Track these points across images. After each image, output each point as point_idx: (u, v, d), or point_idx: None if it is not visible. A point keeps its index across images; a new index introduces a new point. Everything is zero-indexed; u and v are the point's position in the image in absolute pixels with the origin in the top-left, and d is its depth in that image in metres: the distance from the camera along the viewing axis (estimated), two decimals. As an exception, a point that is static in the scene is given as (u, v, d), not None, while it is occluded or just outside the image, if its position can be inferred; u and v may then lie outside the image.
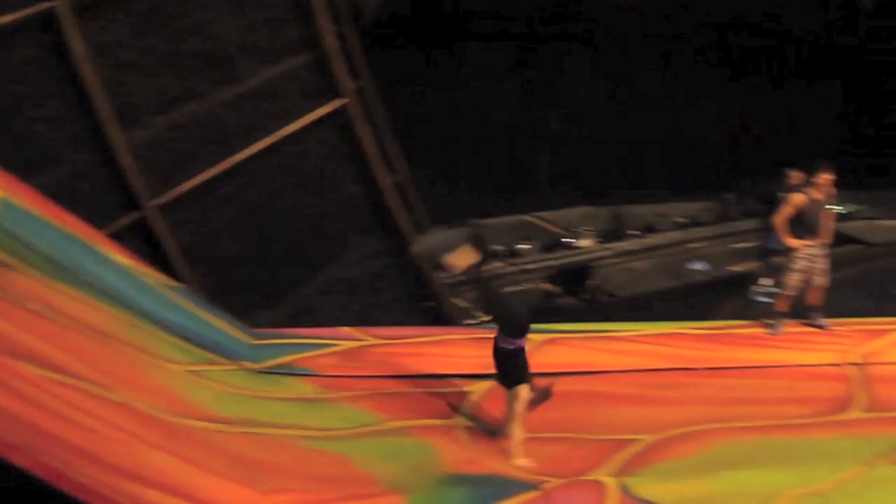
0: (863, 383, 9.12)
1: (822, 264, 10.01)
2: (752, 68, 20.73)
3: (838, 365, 9.47)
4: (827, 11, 21.18)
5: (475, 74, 18.14)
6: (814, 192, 9.91)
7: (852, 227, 19.11)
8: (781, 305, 10.10)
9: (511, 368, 7.66)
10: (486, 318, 8.70)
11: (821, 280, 10.02)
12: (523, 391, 7.54)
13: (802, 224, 9.89)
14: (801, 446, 7.92)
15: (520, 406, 7.51)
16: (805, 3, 20.60)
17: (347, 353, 8.98)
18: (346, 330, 9.50)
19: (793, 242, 9.93)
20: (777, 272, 11.76)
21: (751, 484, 6.99)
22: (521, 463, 7.33)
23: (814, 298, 10.13)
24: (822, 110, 20.95)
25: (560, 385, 8.50)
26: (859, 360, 9.49)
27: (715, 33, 20.21)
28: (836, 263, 14.19)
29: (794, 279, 9.97)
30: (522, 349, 7.69)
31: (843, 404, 8.72)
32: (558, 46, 18.83)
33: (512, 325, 7.77)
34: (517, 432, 7.47)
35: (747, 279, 14.29)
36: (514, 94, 18.78)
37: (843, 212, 19.65)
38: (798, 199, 9.89)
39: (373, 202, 11.98)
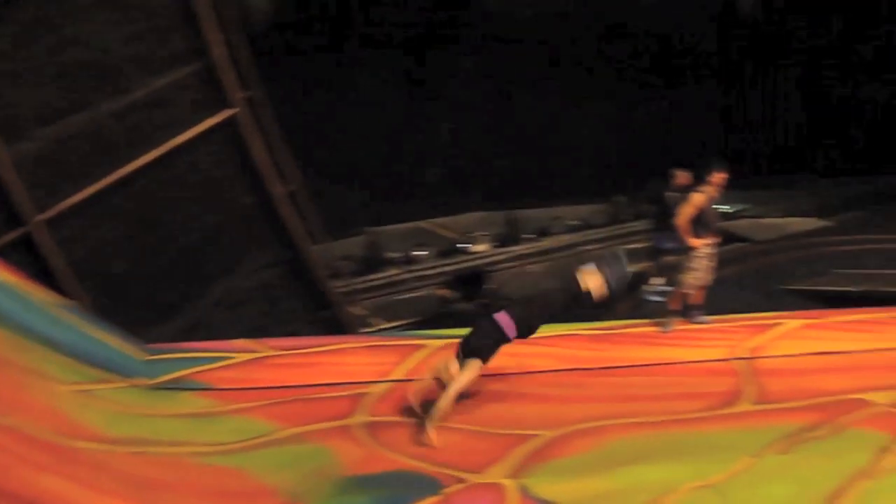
0: (750, 377, 9.39)
1: (711, 263, 10.26)
2: (637, 72, 21.16)
3: (727, 360, 9.72)
4: (710, 18, 21.79)
5: (366, 81, 18.10)
6: (711, 190, 10.14)
7: (737, 225, 19.68)
8: (674, 304, 10.32)
9: (484, 344, 7.91)
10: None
11: (706, 278, 10.27)
12: (475, 366, 7.82)
13: (701, 223, 10.12)
14: (693, 440, 8.10)
15: (465, 376, 7.79)
16: (687, 9, 21.14)
17: (243, 366, 8.87)
18: (241, 342, 9.39)
19: (694, 242, 10.14)
20: (668, 271, 12.08)
21: (646, 479, 7.12)
22: (431, 435, 7.55)
23: (696, 297, 10.37)
24: (706, 112, 21.52)
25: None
26: (746, 355, 9.75)
27: (602, 38, 20.56)
28: (723, 261, 14.60)
29: (691, 278, 10.19)
30: (506, 342, 8.03)
31: (732, 398, 8.95)
32: (448, 52, 18.91)
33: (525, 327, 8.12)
34: (447, 401, 7.70)
35: (639, 279, 14.60)
36: (406, 101, 18.79)
37: (729, 211, 20.25)
38: (698, 198, 10.10)
39: (266, 212, 11.85)
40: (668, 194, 12.78)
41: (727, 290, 13.62)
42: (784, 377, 9.39)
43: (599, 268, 8.54)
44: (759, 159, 23.03)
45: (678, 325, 10.25)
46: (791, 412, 8.64)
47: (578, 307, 8.68)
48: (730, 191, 14.92)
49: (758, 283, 13.74)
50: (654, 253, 13.17)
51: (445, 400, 7.76)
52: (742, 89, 22.64)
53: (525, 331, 8.23)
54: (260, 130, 11.54)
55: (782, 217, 20.31)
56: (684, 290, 10.27)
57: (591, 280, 8.43)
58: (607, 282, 8.47)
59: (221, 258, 11.73)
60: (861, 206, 19.63)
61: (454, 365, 7.92)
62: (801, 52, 23.12)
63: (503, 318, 8.12)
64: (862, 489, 7.16)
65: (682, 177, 12.63)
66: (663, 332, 10.17)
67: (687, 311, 10.41)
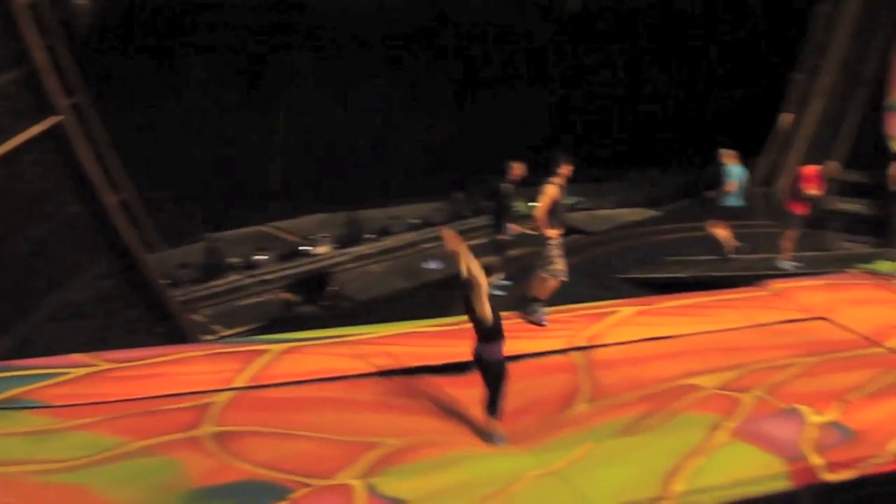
0: (587, 371, 9.63)
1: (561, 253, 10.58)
2: (472, 72, 21.49)
3: (565, 351, 9.97)
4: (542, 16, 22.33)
5: (201, 86, 17.77)
6: (560, 182, 10.41)
7: (572, 217, 20.23)
8: (540, 293, 10.54)
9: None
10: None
11: (563, 270, 10.57)
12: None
13: (553, 215, 10.39)
14: (535, 430, 8.31)
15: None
16: (519, 9, 21.61)
17: (81, 380, 8.58)
18: (77, 357, 9.07)
19: (551, 232, 10.40)
20: (509, 264, 12.39)
21: (492, 470, 7.30)
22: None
23: (543, 292, 10.62)
24: (538, 109, 22.04)
25: (303, 390, 8.61)
26: (584, 343, 10.04)
27: (434, 38, 20.77)
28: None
29: (553, 268, 10.44)
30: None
31: (568, 399, 9.11)
32: (284, 55, 18.76)
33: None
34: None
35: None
36: (241, 104, 18.54)
37: (568, 203, 20.80)
38: (552, 190, 10.34)
39: (98, 222, 11.52)
40: (504, 186, 13.04)
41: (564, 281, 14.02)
42: (618, 368, 9.69)
43: None
44: (592, 153, 23.72)
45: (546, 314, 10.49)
46: (626, 406, 8.93)
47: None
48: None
49: (593, 273, 14.15)
50: (494, 246, 13.40)
51: None
52: (570, 85, 23.27)
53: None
54: (87, 138, 11.19)
55: (614, 208, 21.03)
56: (548, 280, 10.50)
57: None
58: None
59: (53, 271, 11.34)
60: (687, 196, 20.49)
61: None
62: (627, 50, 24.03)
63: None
64: (695, 465, 7.53)
65: (517, 169, 12.91)
66: (536, 322, 10.40)
67: (526, 305, 10.63)
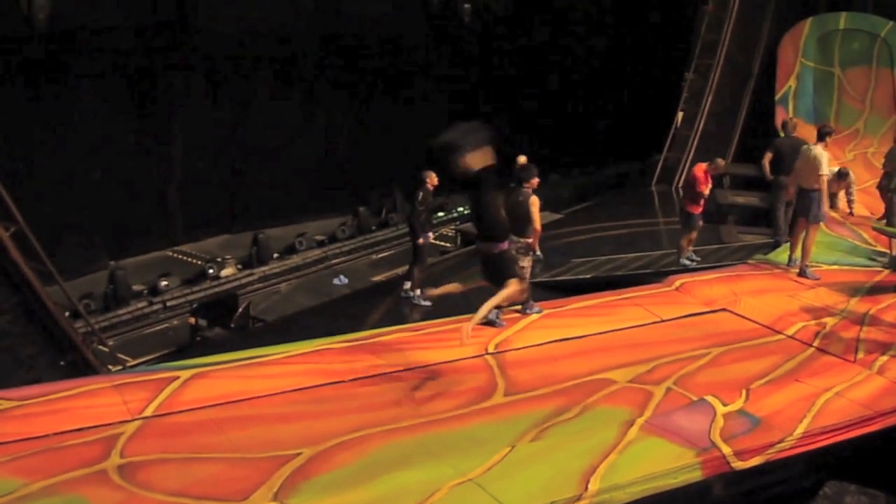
0: (500, 370, 9.74)
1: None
2: (367, 84, 21.50)
3: (478, 356, 10.04)
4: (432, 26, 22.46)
5: (90, 111, 17.39)
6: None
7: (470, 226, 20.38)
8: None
9: (501, 267, 9.06)
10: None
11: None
12: (513, 284, 9.08)
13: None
14: (452, 438, 8.32)
15: (504, 293, 9.01)
16: (407, 19, 21.70)
17: (-20, 421, 8.29)
18: (-25, 396, 8.77)
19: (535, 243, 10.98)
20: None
21: (409, 483, 7.26)
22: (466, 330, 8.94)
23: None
24: (434, 118, 22.13)
25: (214, 413, 8.47)
26: (494, 350, 10.12)
27: (329, 51, 20.73)
28: (471, 261, 15.07)
29: (524, 273, 10.75)
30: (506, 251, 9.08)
31: (485, 393, 9.26)
32: (174, 76, 18.49)
33: (501, 229, 9.08)
34: (488, 307, 9.02)
35: (392, 286, 14.85)
36: (134, 128, 18.22)
37: (466, 212, 20.91)
38: (537, 200, 10.80)
39: (-10, 256, 11.19)
40: (421, 194, 13.05)
41: (474, 288, 14.07)
42: (531, 366, 9.83)
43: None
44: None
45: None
46: (540, 399, 9.07)
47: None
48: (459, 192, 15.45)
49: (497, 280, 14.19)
50: (414, 256, 13.42)
51: (481, 310, 8.90)
52: (463, 93, 23.44)
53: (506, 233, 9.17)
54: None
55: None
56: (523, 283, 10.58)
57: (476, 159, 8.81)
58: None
59: (-54, 309, 10.97)
60: (587, 198, 20.81)
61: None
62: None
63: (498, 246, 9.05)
64: (610, 463, 7.62)
65: (432, 178, 12.98)
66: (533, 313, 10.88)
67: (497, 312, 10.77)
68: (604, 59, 25.66)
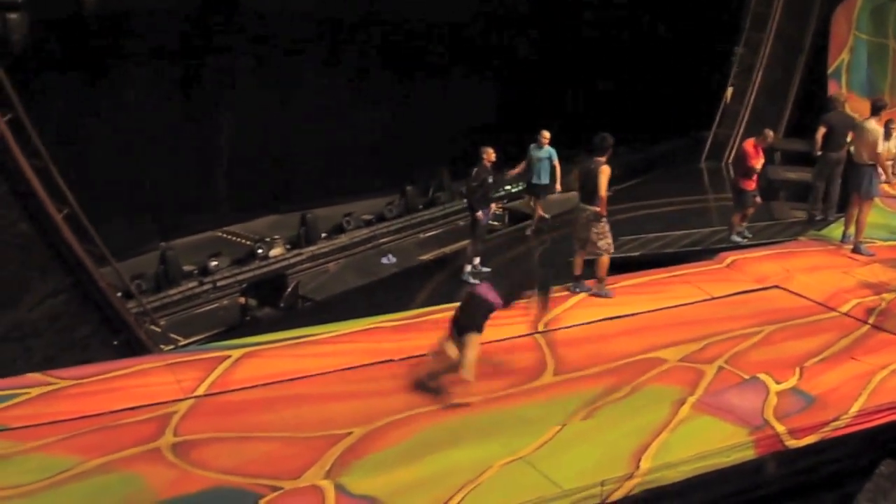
0: (550, 349, 9.72)
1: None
2: (412, 65, 21.44)
3: (528, 335, 10.02)
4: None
5: (140, 94, 17.54)
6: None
7: (525, 203, 20.27)
8: (601, 270, 11.09)
9: (475, 319, 8.40)
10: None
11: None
12: (474, 339, 8.39)
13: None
14: (503, 417, 8.34)
15: (472, 349, 8.36)
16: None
17: (38, 400, 8.43)
18: (33, 376, 8.92)
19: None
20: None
21: (460, 461, 7.28)
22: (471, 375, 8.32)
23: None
24: (480, 96, 22.09)
25: (267, 392, 8.55)
26: (543, 329, 10.07)
27: (371, 33, 20.69)
28: (518, 239, 15.06)
29: (606, 243, 10.99)
30: (494, 309, 8.50)
31: (535, 372, 9.26)
32: (222, 57, 18.57)
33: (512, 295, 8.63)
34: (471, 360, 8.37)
35: (440, 265, 14.87)
36: (183, 110, 18.34)
37: (513, 190, 20.86)
38: (608, 170, 10.76)
39: (46, 238, 11.31)
40: (479, 171, 13.10)
41: (522, 266, 14.06)
42: (581, 345, 9.80)
43: None
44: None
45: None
46: (590, 378, 9.04)
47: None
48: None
49: (547, 257, 14.19)
50: (472, 230, 13.47)
51: (466, 376, 8.35)
52: (512, 71, 23.32)
53: (510, 300, 8.63)
54: (28, 154, 10.98)
55: (564, 192, 21.04)
56: (606, 259, 10.96)
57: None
58: None
59: (2, 291, 11.12)
60: (638, 175, 20.60)
61: (450, 347, 8.45)
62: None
63: (486, 291, 8.48)
64: (662, 442, 7.58)
65: (490, 154, 13.05)
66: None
67: (598, 283, 11.08)
68: (652, 34, 25.36)
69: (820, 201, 14.53)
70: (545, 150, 14.65)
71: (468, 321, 8.44)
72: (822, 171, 14.28)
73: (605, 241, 11.00)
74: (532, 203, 15.53)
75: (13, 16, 12.65)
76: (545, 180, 14.75)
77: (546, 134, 14.56)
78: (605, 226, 11.00)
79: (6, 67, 11.04)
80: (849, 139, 13.33)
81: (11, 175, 10.91)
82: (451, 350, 8.49)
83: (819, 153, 14.05)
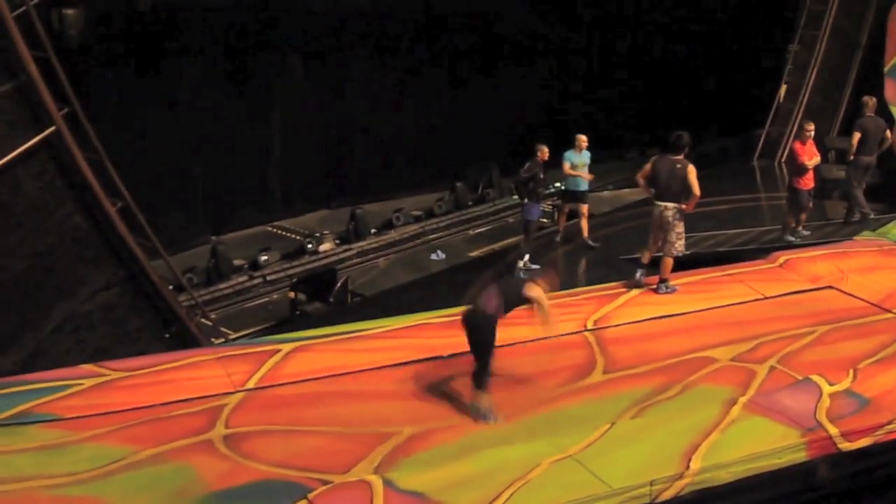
0: (599, 347, 9.67)
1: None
2: (463, 61, 21.41)
3: (577, 333, 9.98)
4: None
5: (192, 88, 17.71)
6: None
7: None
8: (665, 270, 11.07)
9: (491, 339, 8.21)
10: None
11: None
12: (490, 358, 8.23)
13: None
14: (552, 415, 8.32)
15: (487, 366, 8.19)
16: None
17: (91, 391, 8.56)
18: (86, 367, 9.06)
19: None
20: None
21: (509, 458, 7.27)
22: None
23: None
24: (531, 93, 22.00)
25: (316, 387, 8.59)
26: (593, 326, 10.03)
27: (420, 29, 20.68)
28: (568, 236, 14.98)
29: (682, 241, 11.01)
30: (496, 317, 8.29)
31: (585, 370, 9.21)
32: (273, 52, 18.68)
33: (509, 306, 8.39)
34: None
35: (487, 262, 14.83)
36: (234, 105, 18.47)
37: (563, 188, 20.74)
38: (694, 169, 10.76)
39: (100, 231, 11.45)
40: (531, 167, 13.13)
41: (572, 264, 14.00)
42: (630, 344, 9.74)
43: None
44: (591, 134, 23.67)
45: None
46: (639, 377, 8.98)
47: None
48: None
49: (598, 255, 14.11)
50: (525, 227, 13.48)
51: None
52: (564, 68, 23.22)
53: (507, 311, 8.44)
54: (84, 147, 11.12)
55: (615, 189, 20.95)
56: (671, 261, 10.94)
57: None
58: None
59: (57, 283, 11.28)
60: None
61: None
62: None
63: (486, 301, 8.27)
64: (712, 442, 7.50)
65: (543, 152, 13.08)
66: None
67: (662, 283, 11.07)
68: (704, 30, 25.10)
69: (860, 203, 14.57)
70: (585, 155, 14.29)
71: (477, 340, 8.31)
72: (855, 175, 14.41)
73: (682, 243, 11.00)
74: (566, 210, 14.82)
75: (70, 12, 12.81)
76: (584, 186, 14.28)
77: (583, 138, 14.08)
78: (683, 226, 10.99)
79: (63, 62, 11.17)
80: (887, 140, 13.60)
81: (67, 168, 11.04)
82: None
83: (851, 157, 14.14)
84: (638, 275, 11.09)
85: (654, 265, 11.25)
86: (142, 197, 12.22)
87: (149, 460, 7.36)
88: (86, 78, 13.26)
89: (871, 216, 14.36)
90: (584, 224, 14.35)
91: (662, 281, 11.05)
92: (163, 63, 17.00)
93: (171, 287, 12.78)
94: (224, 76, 18.28)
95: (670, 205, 10.88)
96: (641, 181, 11.19)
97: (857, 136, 14.24)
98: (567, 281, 11.70)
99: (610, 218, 17.43)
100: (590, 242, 14.11)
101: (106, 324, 11.59)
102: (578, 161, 14.12)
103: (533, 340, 9.71)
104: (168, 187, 16.87)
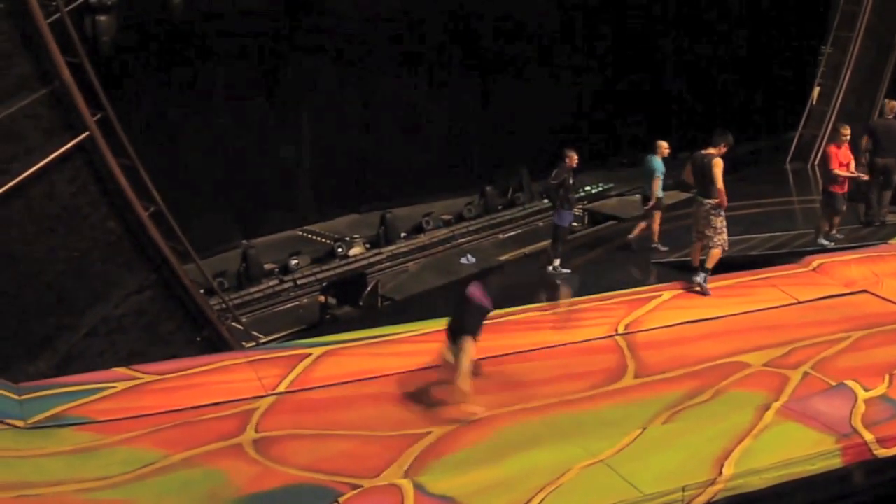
0: (631, 351, 9.62)
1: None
2: (492, 65, 21.37)
3: (608, 337, 9.94)
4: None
5: (223, 94, 17.80)
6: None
7: (605, 204, 20.13)
8: (710, 262, 11.13)
9: (469, 323, 8.19)
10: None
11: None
12: (469, 344, 8.11)
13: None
14: (583, 419, 8.29)
15: (468, 355, 8.08)
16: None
17: (123, 395, 8.62)
18: (119, 371, 9.13)
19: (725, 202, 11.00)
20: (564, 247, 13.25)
21: (539, 462, 7.23)
22: (470, 409, 8.03)
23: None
24: (561, 97, 21.93)
25: (346, 390, 8.61)
26: (624, 330, 9.98)
27: (449, 31, 20.67)
28: (596, 240, 14.93)
29: (724, 236, 11.07)
30: (488, 312, 8.29)
31: (615, 374, 9.18)
32: (303, 57, 18.74)
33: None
34: (466, 367, 8.04)
35: (517, 265, 14.80)
36: (265, 110, 18.55)
37: (593, 191, 20.71)
38: (721, 163, 10.88)
39: (132, 235, 11.53)
40: (561, 172, 13.11)
41: (602, 268, 13.95)
42: (662, 348, 9.69)
43: None
44: (621, 137, 23.59)
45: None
46: (671, 382, 8.92)
47: None
48: (592, 170, 15.28)
49: (629, 258, 14.06)
50: (554, 233, 13.46)
51: (461, 384, 8.08)
52: (593, 71, 23.13)
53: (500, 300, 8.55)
54: (117, 152, 11.20)
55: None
56: (718, 252, 11.00)
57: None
58: None
59: (90, 286, 11.36)
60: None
61: (448, 354, 8.31)
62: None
63: (478, 293, 8.28)
64: (745, 448, 7.43)
65: (572, 157, 13.06)
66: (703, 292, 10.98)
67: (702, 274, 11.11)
68: (736, 32, 24.93)
69: (876, 205, 14.56)
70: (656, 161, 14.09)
71: (461, 326, 8.31)
72: (874, 178, 14.32)
73: (721, 237, 11.04)
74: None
75: (103, 18, 12.90)
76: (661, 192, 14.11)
77: (665, 144, 13.98)
78: (723, 220, 11.04)
79: (96, 68, 11.26)
80: None
81: (101, 173, 11.13)
82: (450, 357, 8.36)
83: (864, 160, 14.21)
84: (695, 279, 11.17)
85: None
86: (173, 201, 12.29)
87: (180, 464, 7.40)
88: (118, 83, 13.32)
89: (885, 221, 14.29)
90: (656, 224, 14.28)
91: (704, 270, 11.08)
92: (194, 68, 17.08)
93: (202, 291, 12.85)
94: (255, 81, 18.35)
95: (706, 200, 10.93)
96: (688, 179, 11.40)
97: (865, 138, 14.25)
98: (598, 285, 11.65)
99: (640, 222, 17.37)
100: (660, 247, 13.99)
101: (138, 327, 11.66)
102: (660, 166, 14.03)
103: (563, 345, 9.72)
104: (199, 192, 16.94)
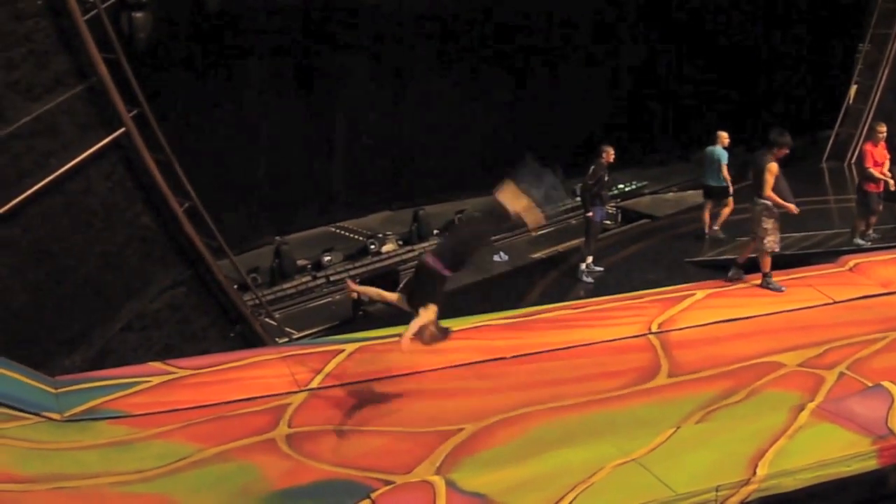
0: (664, 350, 9.58)
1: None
2: (526, 62, 21.33)
3: (641, 336, 9.91)
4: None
5: (258, 90, 17.87)
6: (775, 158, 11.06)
7: (638, 202, 20.04)
8: (742, 258, 11.47)
9: (430, 290, 8.10)
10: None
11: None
12: (431, 311, 8.03)
13: (777, 189, 11.06)
14: (615, 418, 8.27)
15: (421, 320, 8.02)
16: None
17: (157, 389, 8.69)
18: (154, 365, 9.21)
19: (790, 206, 11.11)
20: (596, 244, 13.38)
21: (572, 461, 7.20)
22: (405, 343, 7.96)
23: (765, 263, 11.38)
24: (596, 96, 21.86)
25: (379, 387, 8.63)
26: (658, 329, 9.94)
27: (482, 29, 20.63)
28: (629, 239, 14.89)
29: (772, 240, 11.19)
30: (445, 279, 8.16)
31: (648, 373, 9.14)
32: (337, 54, 18.77)
33: (457, 257, 8.27)
34: (413, 328, 8.01)
35: (552, 263, 14.79)
36: (299, 106, 18.60)
37: (626, 189, 20.63)
38: (775, 167, 10.98)
39: (167, 231, 11.61)
40: (597, 169, 13.15)
41: (637, 266, 13.90)
42: (696, 347, 9.64)
43: (525, 188, 8.95)
44: (655, 136, 23.50)
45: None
46: (705, 381, 8.88)
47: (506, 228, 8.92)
48: (627, 168, 15.25)
49: (662, 257, 14.01)
50: (586, 228, 13.47)
51: (404, 340, 8.02)
52: (627, 70, 23.05)
53: (457, 265, 8.34)
54: (153, 148, 11.29)
55: (680, 192, 20.77)
56: (767, 252, 11.10)
57: (516, 202, 8.47)
58: (535, 200, 8.57)
59: (125, 281, 11.45)
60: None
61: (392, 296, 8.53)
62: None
63: (434, 261, 8.18)
64: (779, 448, 7.37)
65: (609, 153, 13.11)
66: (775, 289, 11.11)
67: (764, 278, 11.26)
68: (772, 29, 24.72)
69: None
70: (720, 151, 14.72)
71: (420, 292, 8.27)
72: None
73: (770, 239, 11.06)
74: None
75: (139, 15, 12.99)
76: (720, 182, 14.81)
77: (724, 134, 14.81)
78: (774, 222, 11.06)
79: (132, 64, 11.35)
80: None
81: (136, 169, 11.22)
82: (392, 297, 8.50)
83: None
84: (734, 276, 11.36)
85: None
86: (208, 197, 12.36)
87: (214, 458, 7.45)
88: (154, 79, 13.41)
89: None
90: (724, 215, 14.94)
91: (764, 275, 11.17)
92: (229, 64, 17.17)
93: (236, 287, 12.91)
94: (289, 77, 18.41)
95: (759, 200, 11.04)
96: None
97: None
98: (631, 283, 11.63)
99: (673, 220, 17.30)
100: (720, 234, 14.69)
101: (173, 322, 11.74)
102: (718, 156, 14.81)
103: (596, 343, 9.69)
104: (233, 188, 17.04)
